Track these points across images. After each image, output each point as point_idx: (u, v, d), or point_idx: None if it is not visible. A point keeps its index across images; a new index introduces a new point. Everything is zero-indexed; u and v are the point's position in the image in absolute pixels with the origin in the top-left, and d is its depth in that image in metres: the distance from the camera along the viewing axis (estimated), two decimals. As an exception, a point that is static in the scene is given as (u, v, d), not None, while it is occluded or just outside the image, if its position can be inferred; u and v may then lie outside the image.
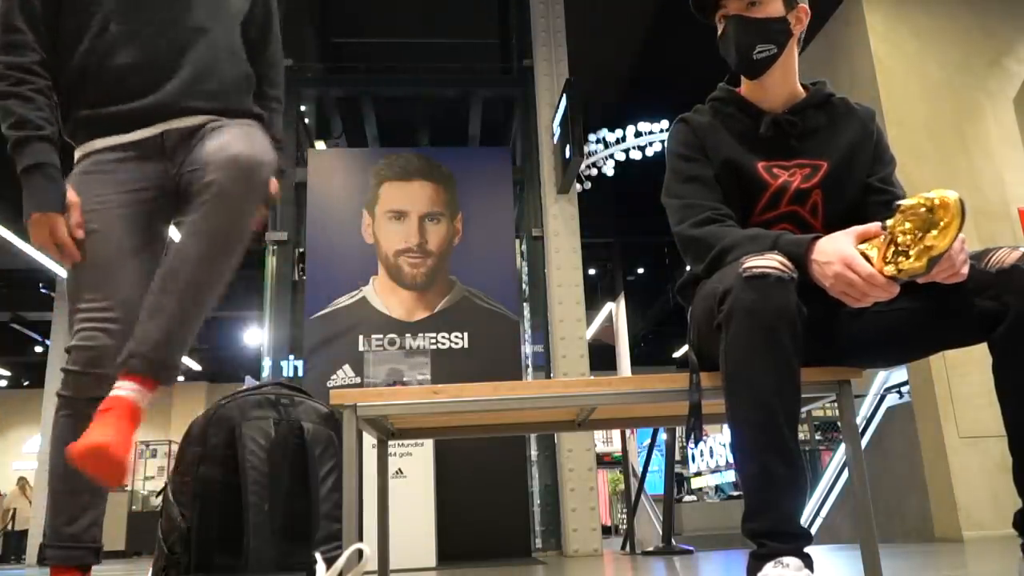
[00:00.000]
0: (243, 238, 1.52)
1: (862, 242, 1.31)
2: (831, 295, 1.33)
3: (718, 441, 12.26)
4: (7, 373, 18.71)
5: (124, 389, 1.41)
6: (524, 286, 6.82)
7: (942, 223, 1.21)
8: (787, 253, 1.33)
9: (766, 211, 1.59)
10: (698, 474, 13.81)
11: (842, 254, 1.29)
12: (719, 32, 1.64)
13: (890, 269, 1.25)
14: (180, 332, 1.47)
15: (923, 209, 1.23)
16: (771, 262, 1.28)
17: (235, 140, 1.50)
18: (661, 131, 8.12)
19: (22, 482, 13.41)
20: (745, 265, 1.29)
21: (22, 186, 1.58)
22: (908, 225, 1.24)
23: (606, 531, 12.60)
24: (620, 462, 8.73)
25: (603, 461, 13.92)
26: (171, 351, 1.45)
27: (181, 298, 1.46)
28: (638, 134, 8.00)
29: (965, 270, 1.31)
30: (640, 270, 14.28)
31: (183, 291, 1.46)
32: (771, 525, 1.26)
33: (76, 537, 1.59)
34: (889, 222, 1.27)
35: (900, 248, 1.25)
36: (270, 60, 1.97)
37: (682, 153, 1.64)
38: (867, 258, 1.28)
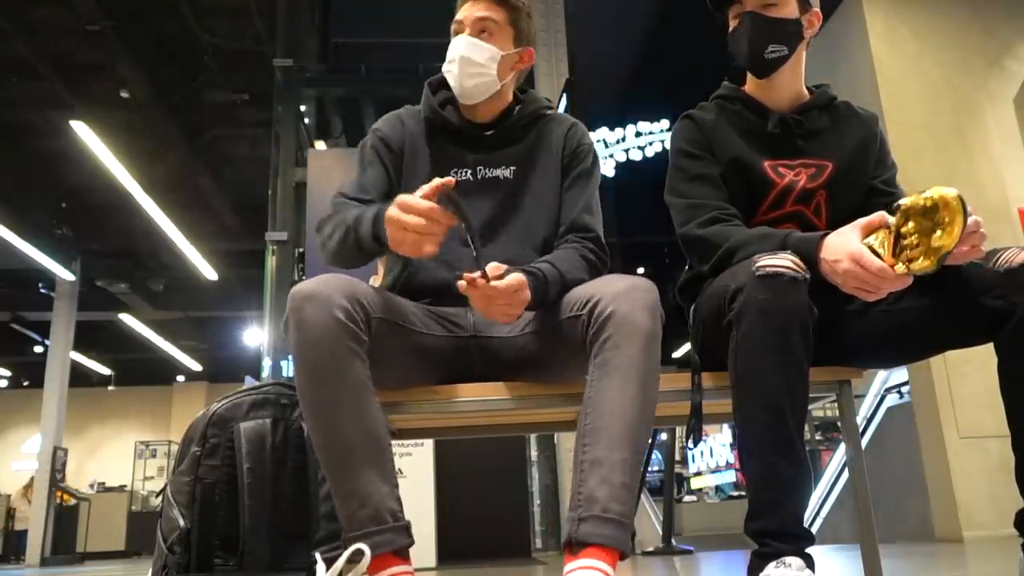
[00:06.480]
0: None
1: (868, 234, 1.30)
2: (842, 292, 1.32)
3: (718, 441, 12.25)
4: (7, 373, 18.71)
5: (580, 569, 1.08)
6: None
7: (945, 221, 1.21)
8: (798, 252, 1.31)
9: (771, 210, 1.57)
10: (698, 474, 13.79)
11: (850, 250, 1.28)
12: (731, 28, 1.61)
13: (900, 268, 1.25)
14: (630, 489, 1.18)
15: (923, 211, 1.22)
16: (785, 261, 1.27)
17: None
18: (661, 131, 8.12)
19: (26, 489, 13.27)
20: (759, 264, 1.27)
21: None
22: (912, 225, 1.24)
23: (606, 531, 12.54)
24: (620, 462, 8.71)
25: (603, 461, 13.87)
26: (625, 511, 1.16)
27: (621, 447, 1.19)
28: (638, 134, 8.00)
29: (985, 245, 1.31)
30: (640, 270, 14.27)
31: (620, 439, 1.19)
32: (775, 525, 1.26)
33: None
34: (891, 219, 1.26)
35: (908, 245, 1.24)
36: None
37: (688, 150, 1.61)
38: (875, 253, 1.27)
